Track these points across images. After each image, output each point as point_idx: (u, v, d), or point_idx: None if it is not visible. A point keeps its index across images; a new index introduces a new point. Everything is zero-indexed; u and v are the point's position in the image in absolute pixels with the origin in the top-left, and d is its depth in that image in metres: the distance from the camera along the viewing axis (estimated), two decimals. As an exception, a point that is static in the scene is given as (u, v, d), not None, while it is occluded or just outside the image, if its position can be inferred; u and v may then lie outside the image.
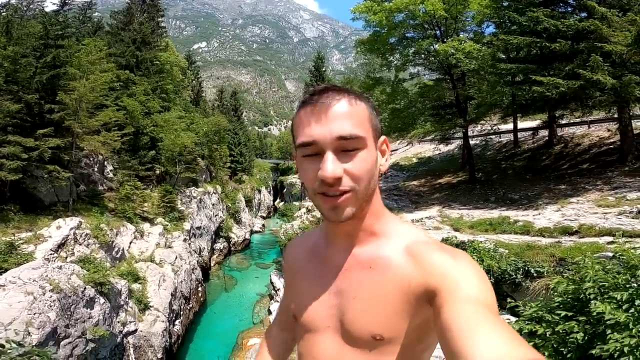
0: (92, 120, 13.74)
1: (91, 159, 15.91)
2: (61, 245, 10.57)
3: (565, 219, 9.13)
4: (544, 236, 8.39)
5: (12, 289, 7.75)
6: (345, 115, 0.73)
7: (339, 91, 0.76)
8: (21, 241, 10.00)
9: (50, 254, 10.04)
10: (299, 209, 21.53)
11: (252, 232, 32.60)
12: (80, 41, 18.24)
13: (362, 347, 0.77)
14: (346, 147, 0.72)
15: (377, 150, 0.79)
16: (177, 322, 13.55)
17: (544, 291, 5.68)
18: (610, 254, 4.74)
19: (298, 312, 0.90)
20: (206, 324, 15.67)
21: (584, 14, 12.85)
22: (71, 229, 11.07)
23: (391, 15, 17.13)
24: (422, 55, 18.60)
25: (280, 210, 42.63)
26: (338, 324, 0.82)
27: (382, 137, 0.81)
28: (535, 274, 6.28)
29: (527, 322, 3.32)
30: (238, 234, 28.89)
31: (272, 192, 52.20)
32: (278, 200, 52.65)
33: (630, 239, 5.95)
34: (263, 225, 37.49)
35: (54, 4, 19.77)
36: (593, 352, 2.73)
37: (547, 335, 3.03)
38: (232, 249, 27.11)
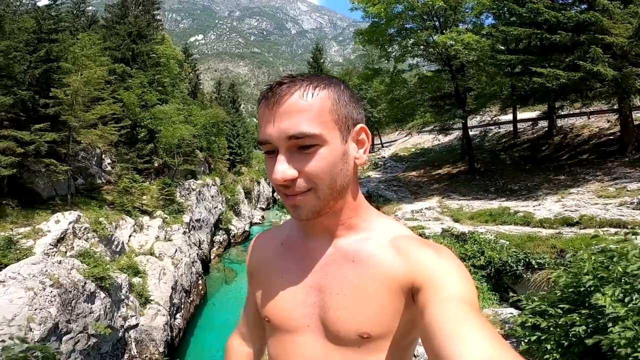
0: (88, 114, 13.62)
1: (89, 152, 15.81)
2: (60, 240, 10.53)
3: (566, 210, 9.14)
4: (544, 227, 8.41)
5: (12, 285, 7.73)
6: (297, 111, 0.66)
7: (294, 83, 0.69)
8: (20, 236, 9.95)
9: (50, 249, 10.01)
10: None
11: (251, 224, 32.59)
12: (75, 35, 18.01)
13: (347, 346, 0.73)
14: (301, 144, 0.67)
15: (347, 143, 0.71)
16: (178, 315, 13.60)
17: (545, 283, 5.70)
18: (611, 245, 4.73)
19: (271, 313, 0.83)
20: (207, 317, 15.74)
21: (584, 6, 12.75)
22: (70, 223, 11.02)
23: (390, 6, 16.98)
24: (421, 47, 18.49)
25: (279, 201, 42.63)
26: (319, 323, 0.77)
27: (358, 126, 0.73)
28: (536, 266, 6.29)
29: (530, 315, 3.33)
30: (238, 226, 28.89)
31: (271, 183, 52.19)
32: (277, 192, 52.63)
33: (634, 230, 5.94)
34: (262, 216, 37.51)
35: (46, -2, 19.45)
36: (587, 342, 2.73)
37: (550, 329, 3.03)
38: (232, 241, 27.13)
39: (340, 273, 0.76)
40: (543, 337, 2.98)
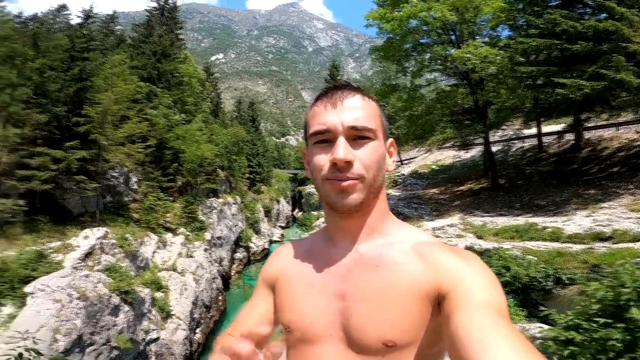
0: (116, 132, 14.12)
1: (117, 171, 16.36)
2: (88, 255, 10.84)
3: (597, 225, 8.78)
4: (574, 242, 8.09)
5: (41, 297, 7.97)
6: (358, 108, 0.77)
7: (354, 88, 0.81)
8: (51, 250, 10.31)
9: (78, 263, 10.30)
10: (318, 219, 21.51)
11: (271, 242, 32.70)
12: (105, 54, 18.75)
13: (371, 355, 0.71)
14: (358, 135, 0.75)
15: (385, 149, 0.82)
16: (198, 330, 13.64)
17: (578, 298, 5.44)
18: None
19: (293, 321, 0.80)
20: (227, 333, 15.70)
21: (604, 15, 12.52)
22: (98, 238, 11.36)
23: (404, 22, 17.09)
24: (438, 61, 18.43)
25: (298, 220, 42.68)
26: (341, 332, 0.75)
27: (390, 139, 0.85)
28: (567, 281, 6.04)
29: (562, 329, 3.18)
30: (257, 243, 29.04)
31: (290, 202, 52.35)
32: (296, 210, 52.75)
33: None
34: (282, 235, 37.58)
35: (78, 16, 20.44)
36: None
37: (586, 343, 2.89)
38: (252, 258, 27.25)
39: (363, 279, 0.75)
40: (577, 352, 2.84)
